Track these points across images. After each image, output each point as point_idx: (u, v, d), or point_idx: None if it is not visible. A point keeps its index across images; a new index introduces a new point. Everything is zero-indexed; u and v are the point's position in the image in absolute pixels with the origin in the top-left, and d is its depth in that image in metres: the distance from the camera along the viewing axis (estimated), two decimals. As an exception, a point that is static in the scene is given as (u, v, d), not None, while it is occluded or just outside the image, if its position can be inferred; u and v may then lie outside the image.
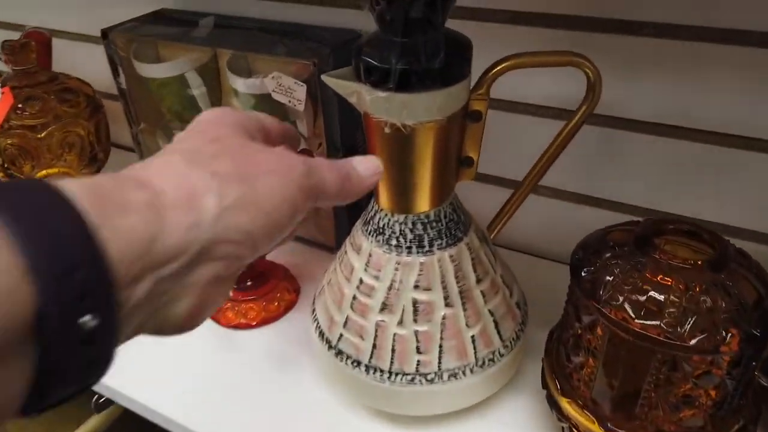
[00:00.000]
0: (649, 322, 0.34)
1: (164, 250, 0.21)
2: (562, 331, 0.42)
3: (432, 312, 0.43)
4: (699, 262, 0.35)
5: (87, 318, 0.19)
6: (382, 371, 0.44)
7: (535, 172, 0.47)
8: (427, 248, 0.43)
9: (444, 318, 0.43)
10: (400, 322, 0.43)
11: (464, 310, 0.44)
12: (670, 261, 0.35)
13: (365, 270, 0.44)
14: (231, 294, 0.59)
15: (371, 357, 0.45)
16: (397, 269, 0.43)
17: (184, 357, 0.56)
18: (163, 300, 0.23)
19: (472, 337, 0.44)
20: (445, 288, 0.43)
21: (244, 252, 0.24)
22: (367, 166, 0.31)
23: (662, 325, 0.34)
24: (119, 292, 0.20)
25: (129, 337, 0.22)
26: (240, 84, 0.61)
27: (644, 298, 0.35)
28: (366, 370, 0.45)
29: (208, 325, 0.60)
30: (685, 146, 0.55)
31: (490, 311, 0.45)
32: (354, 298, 0.45)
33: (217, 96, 0.72)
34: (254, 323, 0.59)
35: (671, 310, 0.34)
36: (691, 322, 0.33)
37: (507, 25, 0.56)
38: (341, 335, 0.46)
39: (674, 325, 0.33)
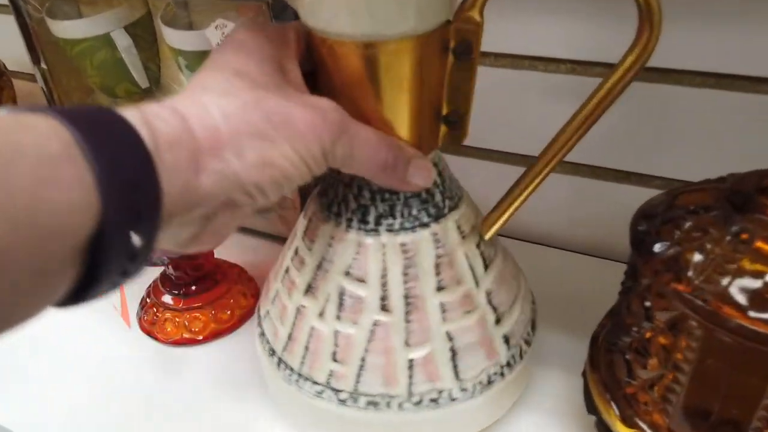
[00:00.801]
0: (769, 316, 0.23)
1: (198, 194, 0.23)
2: (617, 336, 0.31)
3: (360, 312, 0.32)
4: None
5: (136, 238, 0.20)
6: (291, 369, 0.34)
7: (559, 146, 0.31)
8: (371, 225, 0.31)
9: (375, 325, 0.32)
10: (321, 314, 0.33)
11: (407, 321, 0.32)
12: (792, 225, 0.24)
13: (303, 236, 0.34)
14: (171, 300, 0.47)
15: (285, 348, 0.35)
16: (330, 244, 0.32)
17: (113, 382, 0.44)
18: (184, 232, 0.25)
19: (410, 361, 0.32)
20: (384, 285, 0.31)
21: (256, 201, 0.25)
22: (423, 175, 0.30)
23: (793, 319, 0.22)
24: (162, 218, 0.21)
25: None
26: (175, 38, 0.48)
27: (760, 282, 0.23)
28: (278, 364, 0.35)
29: (143, 341, 0.47)
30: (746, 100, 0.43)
31: (447, 334, 0.32)
32: (287, 270, 0.35)
33: (156, 62, 0.59)
34: (200, 338, 0.46)
35: (804, 297, 0.23)
36: (838, 313, 0.22)
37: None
38: (267, 312, 0.36)
39: (812, 319, 0.22)
